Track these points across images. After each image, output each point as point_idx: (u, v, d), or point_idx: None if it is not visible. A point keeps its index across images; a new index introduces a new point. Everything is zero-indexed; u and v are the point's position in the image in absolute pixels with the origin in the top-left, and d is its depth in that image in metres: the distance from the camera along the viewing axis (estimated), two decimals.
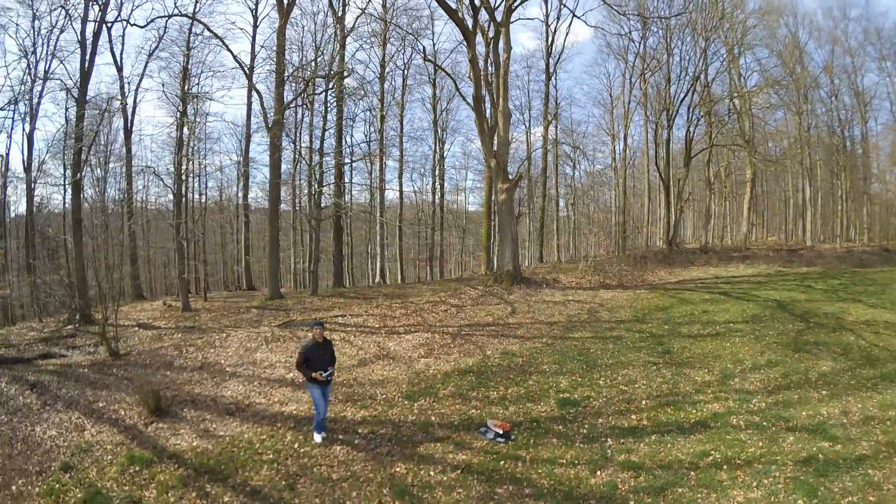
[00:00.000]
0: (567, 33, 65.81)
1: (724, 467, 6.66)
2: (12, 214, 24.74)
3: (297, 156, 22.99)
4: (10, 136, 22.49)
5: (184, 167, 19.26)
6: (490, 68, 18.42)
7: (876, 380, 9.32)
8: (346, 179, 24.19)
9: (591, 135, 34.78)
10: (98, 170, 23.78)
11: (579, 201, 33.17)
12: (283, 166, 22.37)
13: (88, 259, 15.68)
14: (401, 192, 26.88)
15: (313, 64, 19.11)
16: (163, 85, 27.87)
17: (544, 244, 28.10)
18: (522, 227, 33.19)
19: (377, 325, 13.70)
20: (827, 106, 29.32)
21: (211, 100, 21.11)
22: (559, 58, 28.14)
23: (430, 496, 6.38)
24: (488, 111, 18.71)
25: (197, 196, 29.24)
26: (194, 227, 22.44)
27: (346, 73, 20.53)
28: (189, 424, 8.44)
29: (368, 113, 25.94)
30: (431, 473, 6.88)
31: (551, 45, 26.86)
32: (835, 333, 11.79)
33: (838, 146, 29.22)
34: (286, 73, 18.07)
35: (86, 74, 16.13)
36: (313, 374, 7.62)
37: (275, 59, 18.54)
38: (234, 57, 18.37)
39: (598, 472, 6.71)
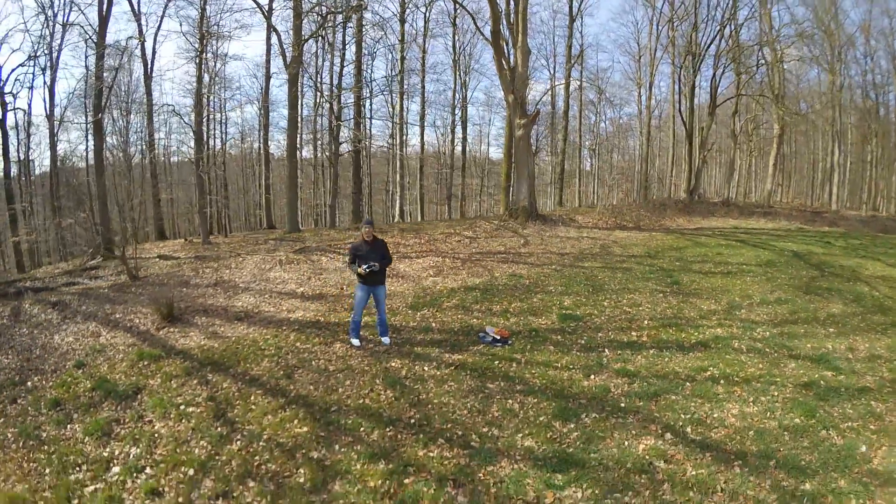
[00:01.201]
0: None
1: (722, 382, 6.56)
2: (37, 171, 25.08)
3: (316, 90, 22.69)
4: (31, 90, 22.50)
5: (204, 102, 19.10)
6: (511, 5, 17.75)
7: (886, 325, 8.99)
8: (366, 115, 23.84)
9: (617, 84, 33.52)
10: (120, 120, 24.07)
11: (602, 149, 32.34)
12: (305, 111, 22.20)
13: (111, 197, 15.89)
14: (422, 131, 26.42)
15: None
16: (181, 25, 27.39)
17: (564, 189, 27.62)
18: (545, 177, 32.71)
19: (390, 251, 13.72)
20: (862, 67, 27.76)
21: (230, 38, 20.64)
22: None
23: (421, 387, 6.50)
24: (509, 50, 18.11)
25: (218, 144, 29.81)
26: (214, 165, 22.48)
27: (363, 5, 19.82)
28: (199, 329, 8.67)
29: (389, 54, 25.28)
30: (426, 369, 7.00)
31: None
32: (849, 283, 11.44)
33: (871, 110, 27.77)
34: (303, 8, 17.53)
35: (104, 18, 16.10)
36: (358, 270, 7.52)
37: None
38: None
39: (592, 377, 6.74)
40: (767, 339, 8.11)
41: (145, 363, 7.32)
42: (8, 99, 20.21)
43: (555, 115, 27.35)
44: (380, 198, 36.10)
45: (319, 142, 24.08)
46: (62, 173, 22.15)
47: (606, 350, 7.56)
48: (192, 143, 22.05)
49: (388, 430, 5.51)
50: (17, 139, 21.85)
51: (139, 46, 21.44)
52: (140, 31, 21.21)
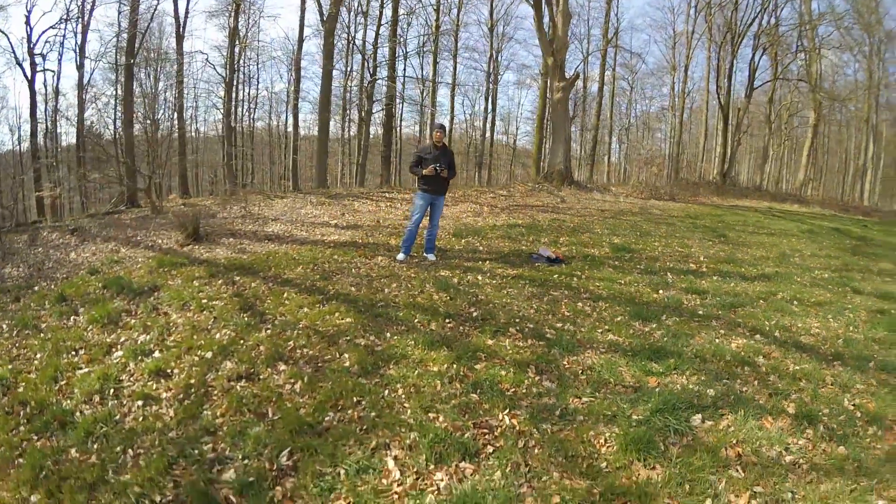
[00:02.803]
0: None
1: (795, 303, 6.28)
2: (63, 143, 24.73)
3: (349, 43, 22.41)
4: (60, 57, 22.22)
5: (235, 51, 18.83)
6: None
7: None
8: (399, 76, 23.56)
9: (650, 73, 33.02)
10: (148, 83, 23.77)
11: (633, 132, 31.97)
12: (335, 84, 21.84)
13: (138, 146, 15.52)
14: (452, 100, 26.15)
15: None
16: None
17: (594, 167, 27.31)
18: (575, 154, 32.27)
19: None
20: None
21: None
22: None
23: (477, 290, 6.01)
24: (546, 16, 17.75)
25: (246, 118, 29.50)
26: (242, 129, 22.11)
27: None
28: (225, 247, 8.23)
29: (424, 19, 24.94)
30: (479, 278, 6.54)
31: None
32: (894, 252, 11.12)
33: None
34: None
35: None
36: (424, 171, 7.01)
37: None
38: None
39: (661, 291, 6.40)
40: (827, 279, 7.78)
41: (166, 269, 6.79)
42: (37, 60, 20.06)
43: (587, 95, 27.07)
44: (406, 159, 35.69)
45: (354, 102, 23.69)
46: (89, 138, 21.96)
47: (669, 274, 7.24)
48: (221, 100, 21.91)
49: (447, 322, 5.03)
50: (45, 101, 21.67)
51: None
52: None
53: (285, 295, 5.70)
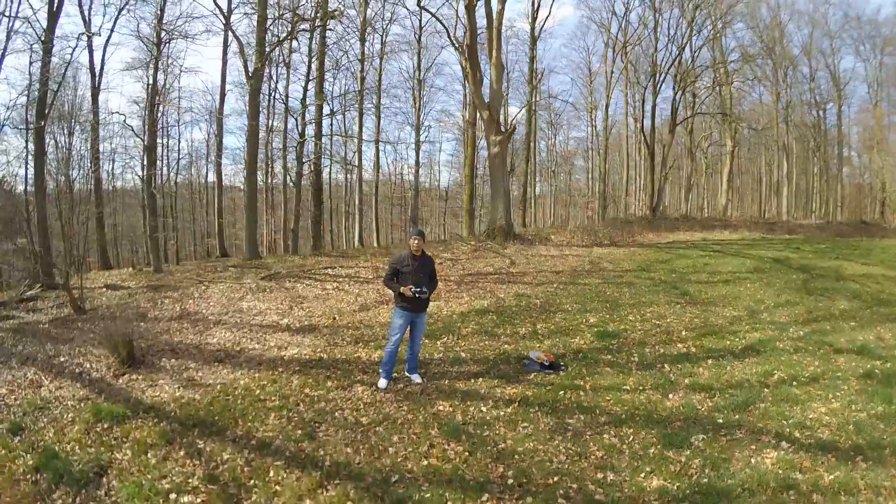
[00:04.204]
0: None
1: (794, 384, 6.31)
2: None
3: (280, 102, 21.52)
4: None
5: (157, 113, 17.52)
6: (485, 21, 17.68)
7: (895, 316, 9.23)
8: (325, 132, 23.05)
9: (568, 110, 34.50)
10: (62, 138, 21.94)
11: (559, 170, 32.96)
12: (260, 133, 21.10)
13: (52, 222, 13.85)
14: (377, 152, 25.79)
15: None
16: (137, 25, 25.54)
17: (525, 212, 27.74)
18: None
19: (371, 276, 12.78)
20: (803, 88, 30.16)
21: (186, 38, 19.07)
22: (545, 22, 27.71)
23: (491, 434, 5.32)
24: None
25: (166, 171, 27.85)
26: (164, 187, 20.61)
27: (341, 10, 19.12)
28: (169, 374, 7.05)
29: (349, 72, 24.76)
30: (483, 409, 5.87)
31: (537, 9, 26.49)
32: (839, 283, 11.72)
33: (814, 125, 30.07)
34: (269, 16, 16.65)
35: (53, 13, 14.47)
36: (402, 289, 6.29)
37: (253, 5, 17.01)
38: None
39: (671, 396, 6.13)
40: (804, 337, 8.04)
41: (105, 426, 5.56)
42: None
43: (514, 139, 27.60)
44: (335, 224, 34.97)
45: (279, 159, 22.77)
46: None
47: (666, 365, 7.03)
48: (140, 164, 20.30)
49: (483, 497, 4.33)
50: None
51: (86, 50, 19.41)
52: (86, 24, 19.04)
53: (272, 473, 4.74)
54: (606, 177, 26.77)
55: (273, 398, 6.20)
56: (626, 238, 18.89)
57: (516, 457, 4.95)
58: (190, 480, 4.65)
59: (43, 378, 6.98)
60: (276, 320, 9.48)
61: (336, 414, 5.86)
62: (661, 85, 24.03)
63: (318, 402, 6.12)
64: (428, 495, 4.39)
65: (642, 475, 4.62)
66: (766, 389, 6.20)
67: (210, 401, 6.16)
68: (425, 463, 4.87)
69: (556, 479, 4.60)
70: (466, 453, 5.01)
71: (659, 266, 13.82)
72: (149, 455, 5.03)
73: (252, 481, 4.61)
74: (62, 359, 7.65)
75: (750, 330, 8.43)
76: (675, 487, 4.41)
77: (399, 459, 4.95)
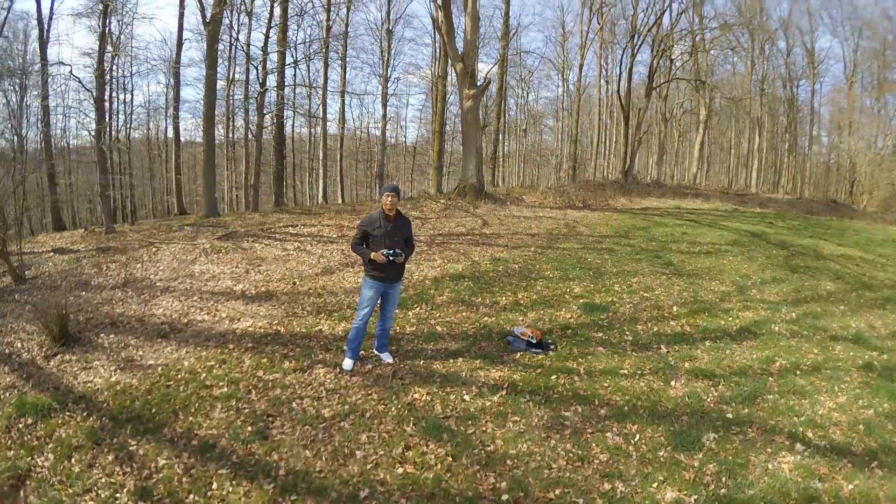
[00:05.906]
0: None
1: (797, 373, 5.85)
2: None
3: (239, 51, 19.68)
4: None
5: (106, 65, 15.50)
6: None
7: (881, 301, 8.91)
8: (289, 82, 21.24)
9: (539, 69, 33.13)
10: (13, 96, 19.67)
11: (530, 129, 31.95)
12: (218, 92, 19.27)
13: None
14: (342, 104, 24.08)
15: None
16: None
17: (496, 170, 26.80)
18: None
19: (336, 235, 11.75)
20: (778, 62, 29.87)
21: None
22: None
23: (477, 430, 4.59)
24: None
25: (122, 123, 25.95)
26: (118, 143, 18.71)
27: None
28: (106, 354, 6.13)
29: (312, 20, 22.70)
30: (466, 398, 5.09)
31: None
32: (820, 262, 11.43)
33: (788, 101, 29.94)
34: None
35: None
36: (372, 255, 5.41)
37: None
38: None
39: (673, 383, 5.51)
40: (797, 320, 7.62)
41: (29, 422, 4.76)
42: None
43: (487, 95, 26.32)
44: (297, 180, 33.35)
45: (241, 112, 21.00)
46: None
47: (662, 347, 6.43)
48: (93, 116, 18.47)
49: None
50: None
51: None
52: None
53: (215, 486, 3.91)
54: (577, 138, 25.95)
55: (220, 384, 5.36)
56: (599, 202, 18.31)
57: (508, 462, 4.23)
58: (118, 496, 3.84)
59: None
60: (230, 286, 8.48)
61: (294, 404, 5.04)
62: (639, 47, 23.20)
63: (272, 389, 5.29)
64: None
65: (655, 485, 4.00)
66: (770, 379, 5.70)
67: (148, 388, 5.34)
68: (400, 471, 4.09)
69: (557, 491, 3.91)
70: (450, 458, 4.25)
71: (637, 233, 13.27)
72: (73, 461, 4.27)
73: (191, 496, 3.79)
74: None
75: (742, 308, 7.95)
76: (693, 501, 3.83)
77: (369, 466, 4.16)
